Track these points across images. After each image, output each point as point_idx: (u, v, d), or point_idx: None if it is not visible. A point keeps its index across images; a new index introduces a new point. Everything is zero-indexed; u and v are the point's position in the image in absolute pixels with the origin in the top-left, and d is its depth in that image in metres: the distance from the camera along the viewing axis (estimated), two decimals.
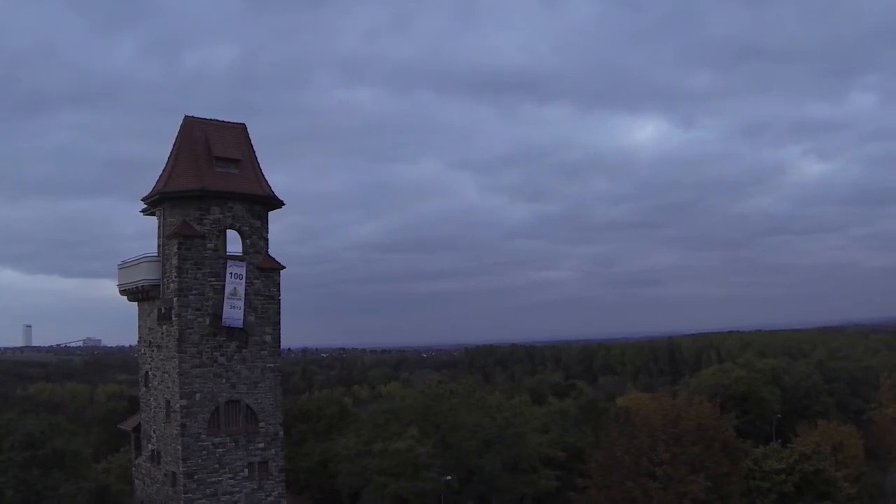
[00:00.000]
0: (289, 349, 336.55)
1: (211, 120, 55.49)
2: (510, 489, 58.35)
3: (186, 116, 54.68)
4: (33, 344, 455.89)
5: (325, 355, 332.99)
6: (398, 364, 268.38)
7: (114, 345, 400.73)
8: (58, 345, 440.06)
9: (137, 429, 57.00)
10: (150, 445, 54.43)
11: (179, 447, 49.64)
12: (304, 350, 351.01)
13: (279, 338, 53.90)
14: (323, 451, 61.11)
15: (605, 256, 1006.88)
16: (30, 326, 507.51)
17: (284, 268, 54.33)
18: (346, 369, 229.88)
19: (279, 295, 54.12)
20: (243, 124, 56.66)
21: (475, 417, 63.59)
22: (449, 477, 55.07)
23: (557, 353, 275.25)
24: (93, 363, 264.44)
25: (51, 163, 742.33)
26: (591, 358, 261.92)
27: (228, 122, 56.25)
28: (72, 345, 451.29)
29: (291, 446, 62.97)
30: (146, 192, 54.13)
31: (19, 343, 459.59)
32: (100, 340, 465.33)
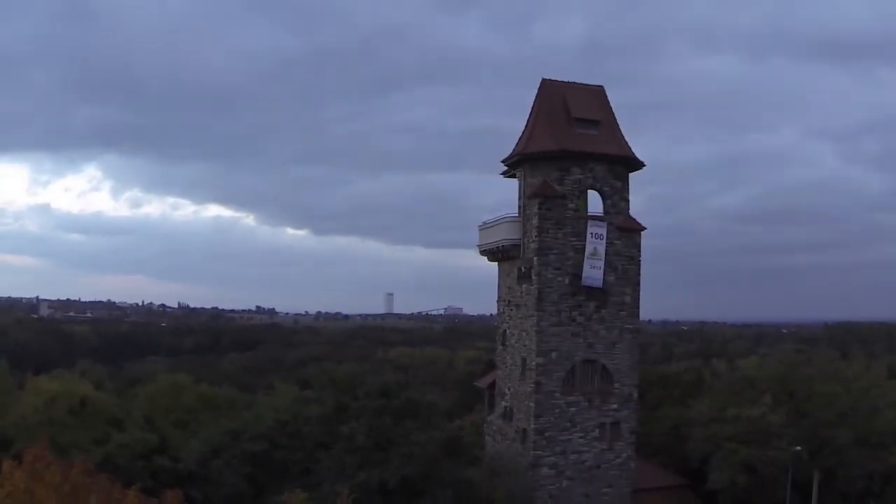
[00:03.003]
0: (649, 321, 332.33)
1: (569, 82, 55.16)
2: (859, 464, 53.32)
3: (544, 79, 54.75)
4: (395, 311, 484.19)
5: (685, 328, 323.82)
6: (757, 338, 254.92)
7: (475, 313, 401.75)
8: (419, 312, 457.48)
9: (492, 386, 58.43)
10: (503, 402, 55.52)
11: (532, 404, 50.11)
12: (665, 322, 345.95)
13: (638, 299, 52.56)
14: (677, 417, 59.33)
15: None
16: (391, 294, 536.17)
17: (645, 228, 52.96)
18: (706, 342, 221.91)
19: (640, 256, 52.75)
20: (601, 86, 55.83)
21: (831, 387, 59.11)
22: (799, 447, 51.42)
23: None
24: (453, 330, 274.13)
25: (407, 137, 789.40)
26: None
27: (586, 84, 55.69)
28: (433, 313, 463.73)
29: (646, 410, 61.60)
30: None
31: (381, 310, 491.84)
32: (461, 309, 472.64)
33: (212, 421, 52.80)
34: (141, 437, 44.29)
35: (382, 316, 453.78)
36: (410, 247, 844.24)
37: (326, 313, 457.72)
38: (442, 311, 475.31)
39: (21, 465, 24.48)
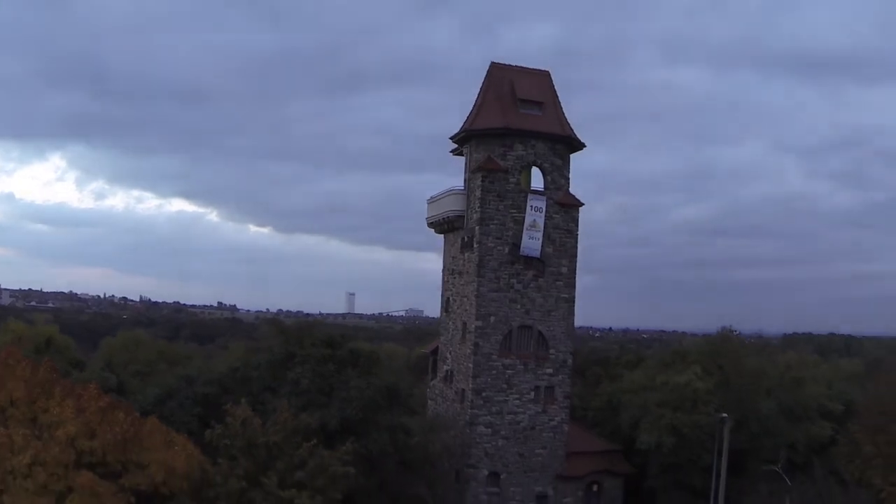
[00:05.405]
0: (609, 328, 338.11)
1: (516, 66, 58.41)
2: (783, 434, 56.68)
3: (493, 63, 57.99)
4: (356, 311, 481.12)
5: (645, 336, 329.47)
6: None
7: (435, 315, 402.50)
8: (380, 313, 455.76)
9: (435, 352, 61.72)
10: (444, 366, 58.74)
11: (471, 365, 53.32)
12: (626, 330, 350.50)
13: (575, 270, 55.84)
14: (613, 391, 62.66)
15: None
16: (353, 294, 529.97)
17: (583, 205, 56.29)
18: (665, 349, 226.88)
19: (577, 230, 56.01)
20: (547, 71, 59.06)
21: (759, 363, 62.58)
22: (725, 415, 54.65)
23: (877, 345, 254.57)
24: (413, 330, 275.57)
25: (374, 138, 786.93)
26: None
27: (532, 69, 58.88)
28: (394, 314, 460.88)
29: (586, 387, 65.15)
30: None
31: (342, 310, 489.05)
32: (422, 311, 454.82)
33: (168, 371, 55.26)
34: (101, 376, 46.59)
35: (343, 315, 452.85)
36: (374, 247, 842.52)
37: (288, 311, 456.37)
38: (403, 313, 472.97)
39: None
